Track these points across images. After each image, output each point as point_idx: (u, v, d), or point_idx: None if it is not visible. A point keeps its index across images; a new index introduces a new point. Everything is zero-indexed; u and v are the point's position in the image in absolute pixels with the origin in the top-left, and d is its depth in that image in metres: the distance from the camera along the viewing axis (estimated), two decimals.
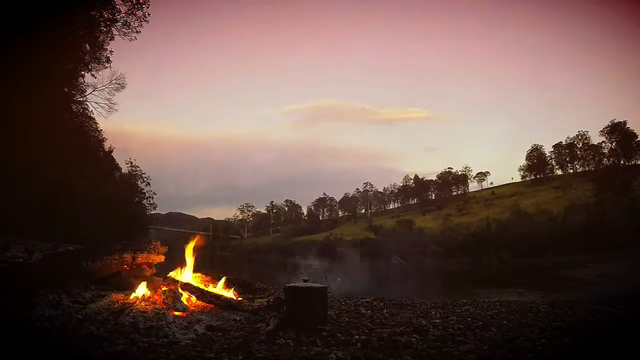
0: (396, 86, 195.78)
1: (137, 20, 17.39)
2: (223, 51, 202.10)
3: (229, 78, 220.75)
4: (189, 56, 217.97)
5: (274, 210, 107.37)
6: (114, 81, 20.82)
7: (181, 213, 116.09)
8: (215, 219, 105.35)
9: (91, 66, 18.75)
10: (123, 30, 17.42)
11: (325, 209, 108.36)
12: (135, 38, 17.77)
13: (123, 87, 21.36)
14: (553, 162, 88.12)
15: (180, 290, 6.86)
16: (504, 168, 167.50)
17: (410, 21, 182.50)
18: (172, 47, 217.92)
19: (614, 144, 73.65)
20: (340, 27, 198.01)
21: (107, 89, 20.67)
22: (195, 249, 8.14)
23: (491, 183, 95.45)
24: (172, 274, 7.64)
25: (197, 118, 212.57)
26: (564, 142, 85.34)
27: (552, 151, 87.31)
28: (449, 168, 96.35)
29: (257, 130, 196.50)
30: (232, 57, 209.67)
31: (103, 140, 23.84)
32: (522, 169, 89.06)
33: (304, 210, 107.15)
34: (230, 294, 7.37)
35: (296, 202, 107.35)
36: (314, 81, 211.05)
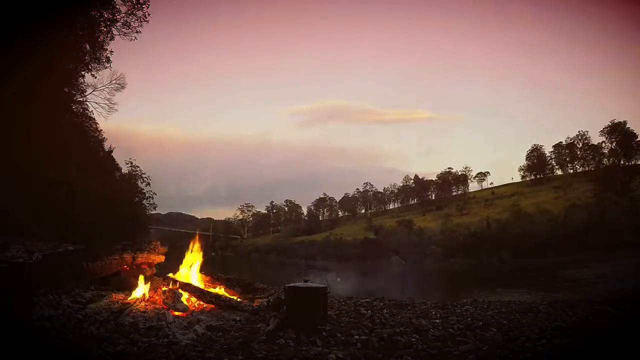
0: (398, 87, 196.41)
1: (137, 20, 17.34)
2: (226, 51, 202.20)
3: (231, 78, 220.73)
4: (193, 56, 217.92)
5: (274, 210, 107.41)
6: (114, 81, 20.79)
7: (181, 213, 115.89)
8: (215, 219, 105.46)
9: (91, 66, 18.71)
10: (123, 30, 17.38)
11: (325, 209, 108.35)
12: (135, 38, 17.74)
13: (123, 87, 21.33)
14: (553, 162, 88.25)
15: (180, 290, 6.86)
16: (504, 168, 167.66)
17: (412, 21, 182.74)
18: (175, 47, 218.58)
19: (614, 144, 73.64)
20: (344, 28, 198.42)
21: (107, 89, 20.64)
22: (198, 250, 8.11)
23: (491, 183, 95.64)
24: (178, 273, 7.64)
25: (200, 118, 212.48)
26: (564, 142, 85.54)
27: (552, 151, 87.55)
28: (449, 168, 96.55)
29: (260, 130, 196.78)
30: (235, 57, 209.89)
31: (103, 140, 23.82)
32: (522, 169, 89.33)
33: (304, 210, 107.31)
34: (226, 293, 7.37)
35: (296, 202, 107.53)
36: (318, 82, 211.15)
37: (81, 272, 6.70)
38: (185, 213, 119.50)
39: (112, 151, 25.29)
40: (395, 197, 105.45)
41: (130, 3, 16.97)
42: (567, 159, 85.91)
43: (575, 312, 7.70)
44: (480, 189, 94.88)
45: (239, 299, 7.15)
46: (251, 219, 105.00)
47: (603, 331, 6.30)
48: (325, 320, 5.91)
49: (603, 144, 76.05)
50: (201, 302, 6.81)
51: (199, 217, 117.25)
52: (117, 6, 16.82)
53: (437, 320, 6.79)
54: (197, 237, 8.35)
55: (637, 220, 40.79)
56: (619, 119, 73.66)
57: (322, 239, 73.39)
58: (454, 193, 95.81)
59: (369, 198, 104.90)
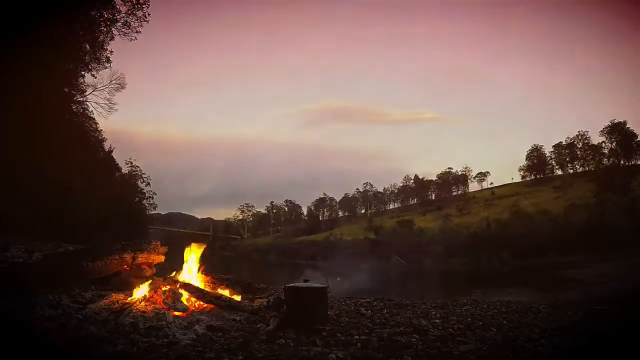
0: (399, 87, 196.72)
1: (137, 20, 17.37)
2: (228, 52, 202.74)
3: (233, 79, 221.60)
4: (194, 56, 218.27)
5: (274, 211, 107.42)
6: (114, 81, 20.82)
7: (181, 213, 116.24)
8: (215, 219, 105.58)
9: (91, 66, 18.75)
10: (123, 30, 17.42)
11: (325, 209, 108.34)
12: (135, 38, 17.76)
13: (123, 87, 21.36)
14: (553, 162, 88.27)
15: (180, 290, 6.85)
16: (504, 168, 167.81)
17: (413, 23, 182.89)
18: (177, 47, 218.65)
19: (614, 144, 73.72)
20: (345, 30, 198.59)
21: (107, 89, 20.69)
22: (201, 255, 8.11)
23: (491, 183, 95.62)
24: (173, 274, 7.64)
25: (201, 119, 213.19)
26: (564, 142, 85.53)
27: (552, 151, 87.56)
28: (449, 168, 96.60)
29: (261, 131, 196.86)
30: (237, 57, 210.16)
31: (103, 140, 23.91)
32: (522, 169, 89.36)
33: (304, 210, 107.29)
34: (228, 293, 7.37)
35: (296, 202, 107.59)
36: (319, 83, 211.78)
37: (81, 272, 6.70)
38: (186, 213, 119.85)
39: (112, 151, 25.38)
40: (395, 197, 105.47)
41: (130, 3, 17.01)
42: (567, 159, 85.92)
43: (575, 312, 7.70)
44: (480, 189, 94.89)
45: (239, 299, 7.14)
46: (251, 219, 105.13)
47: (603, 331, 6.30)
48: (325, 320, 5.91)
49: (603, 144, 76.26)
50: (201, 302, 6.81)
51: (199, 217, 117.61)
52: (117, 6, 16.87)
53: (437, 320, 6.79)
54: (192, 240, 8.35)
55: (637, 220, 40.82)
56: (619, 119, 73.92)
57: (322, 239, 73.39)
58: (454, 193, 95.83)
59: (369, 198, 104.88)
